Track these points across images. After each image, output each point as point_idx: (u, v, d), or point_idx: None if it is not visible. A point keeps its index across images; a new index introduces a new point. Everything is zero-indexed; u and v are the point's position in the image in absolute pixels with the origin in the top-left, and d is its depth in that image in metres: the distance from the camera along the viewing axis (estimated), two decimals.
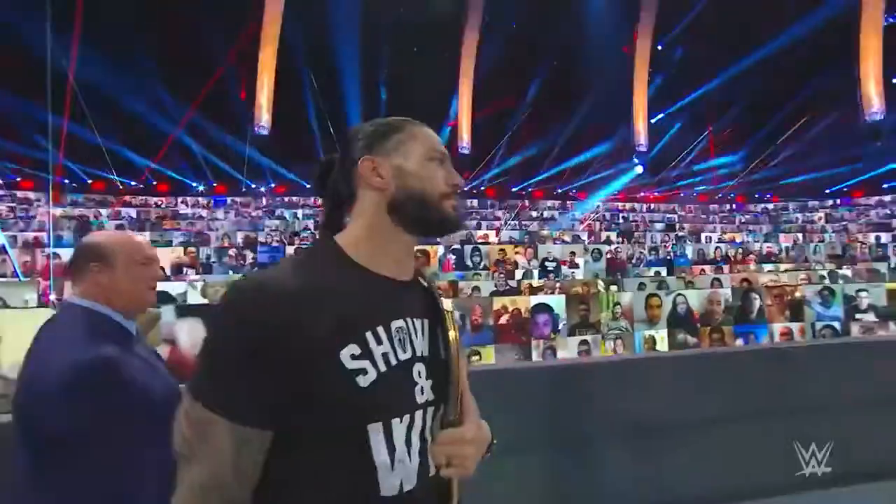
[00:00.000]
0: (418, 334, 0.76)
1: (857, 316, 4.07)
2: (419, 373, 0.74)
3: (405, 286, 0.78)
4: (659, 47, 17.67)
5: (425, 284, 0.85)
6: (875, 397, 2.04)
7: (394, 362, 0.70)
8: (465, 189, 15.80)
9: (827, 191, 16.69)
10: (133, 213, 12.48)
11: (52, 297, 3.98)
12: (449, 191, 0.79)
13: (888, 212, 14.70)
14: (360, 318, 0.69)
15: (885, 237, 11.34)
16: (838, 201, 16.22)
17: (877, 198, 15.56)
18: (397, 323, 0.73)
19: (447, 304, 0.82)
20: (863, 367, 2.08)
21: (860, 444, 1.98)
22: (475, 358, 3.22)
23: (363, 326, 0.69)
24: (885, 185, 15.67)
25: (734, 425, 1.93)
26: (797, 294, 4.24)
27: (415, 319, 0.77)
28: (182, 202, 13.84)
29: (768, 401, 1.98)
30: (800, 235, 12.03)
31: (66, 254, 5.81)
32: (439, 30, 15.69)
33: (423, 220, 0.77)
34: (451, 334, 0.80)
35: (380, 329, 0.70)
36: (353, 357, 0.66)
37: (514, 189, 16.91)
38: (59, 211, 11.01)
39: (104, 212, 12.16)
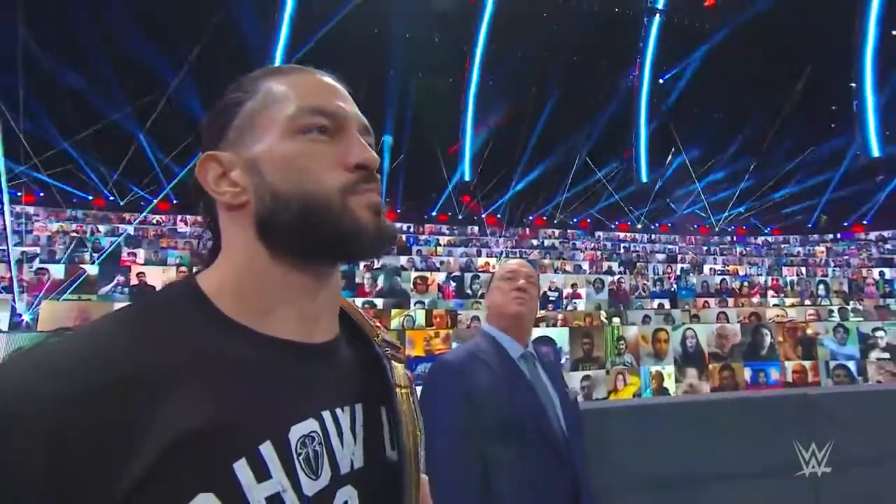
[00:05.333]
0: (345, 435, 0.46)
1: (875, 356, 3.92)
2: None
3: (322, 352, 0.48)
4: (661, 80, 18.03)
5: (376, 340, 0.53)
6: None
7: None
8: (466, 217, 15.86)
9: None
10: (131, 230, 12.41)
11: (27, 317, 3.79)
12: (351, 179, 0.46)
13: (889, 247, 14.66)
14: (226, 429, 0.38)
15: (889, 273, 11.23)
16: (838, 235, 16.21)
17: (877, 233, 15.57)
18: (303, 427, 0.43)
19: (401, 372, 0.54)
20: None
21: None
22: None
23: (230, 448, 0.38)
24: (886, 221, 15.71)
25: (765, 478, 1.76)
26: (809, 331, 4.10)
27: (339, 409, 0.46)
28: (181, 220, 13.78)
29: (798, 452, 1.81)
30: (803, 269, 11.92)
31: (55, 270, 5.67)
32: (445, 56, 16.04)
33: (315, 241, 0.45)
34: (407, 434, 0.49)
35: (265, 448, 0.39)
36: None
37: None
38: (55, 226, 10.93)
39: (102, 228, 12.09)
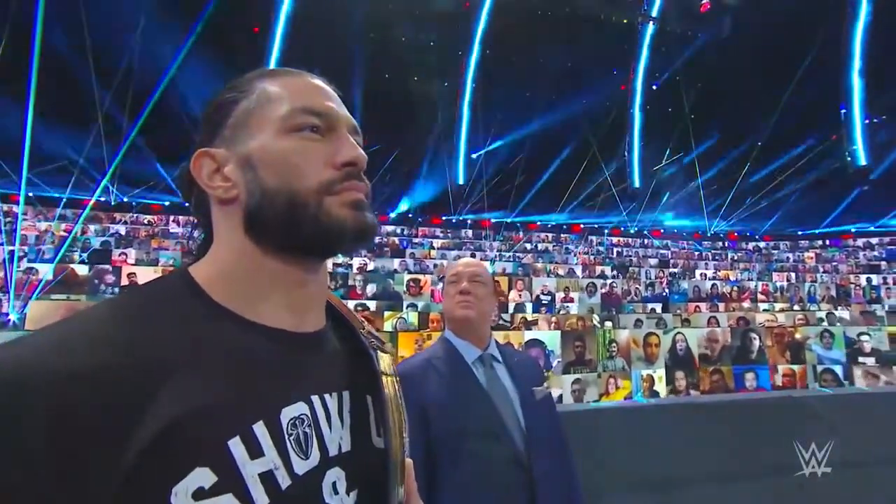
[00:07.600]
0: (333, 419, 0.47)
1: (861, 360, 3.98)
2: (334, 486, 0.45)
3: (310, 341, 0.49)
4: (654, 87, 18.19)
5: (361, 332, 0.55)
6: None
7: (285, 483, 0.41)
8: (458, 220, 15.89)
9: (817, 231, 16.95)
10: (122, 229, 12.29)
11: (13, 316, 3.74)
12: (333, 177, 0.48)
13: (876, 254, 14.89)
14: (221, 410, 0.39)
15: (875, 279, 11.41)
16: (828, 242, 16.43)
17: (864, 240, 15.81)
18: (293, 409, 0.44)
19: (387, 361, 0.56)
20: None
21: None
22: None
23: (225, 426, 0.39)
24: (872, 228, 15.96)
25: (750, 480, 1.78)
26: (797, 335, 4.15)
27: (328, 395, 0.48)
28: (174, 221, 13.66)
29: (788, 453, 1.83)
30: (792, 275, 12.07)
31: (43, 269, 5.60)
32: (440, 59, 16.09)
33: (295, 235, 0.47)
34: (392, 420, 0.50)
35: (258, 427, 0.41)
36: (202, 494, 0.36)
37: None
38: (44, 225, 10.79)
39: (92, 227, 11.96)
